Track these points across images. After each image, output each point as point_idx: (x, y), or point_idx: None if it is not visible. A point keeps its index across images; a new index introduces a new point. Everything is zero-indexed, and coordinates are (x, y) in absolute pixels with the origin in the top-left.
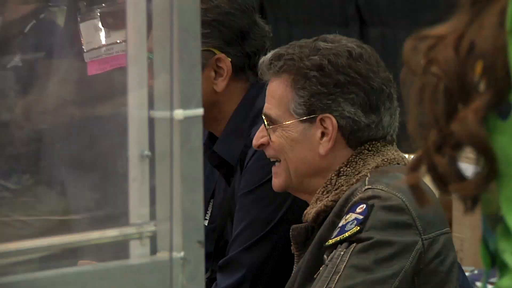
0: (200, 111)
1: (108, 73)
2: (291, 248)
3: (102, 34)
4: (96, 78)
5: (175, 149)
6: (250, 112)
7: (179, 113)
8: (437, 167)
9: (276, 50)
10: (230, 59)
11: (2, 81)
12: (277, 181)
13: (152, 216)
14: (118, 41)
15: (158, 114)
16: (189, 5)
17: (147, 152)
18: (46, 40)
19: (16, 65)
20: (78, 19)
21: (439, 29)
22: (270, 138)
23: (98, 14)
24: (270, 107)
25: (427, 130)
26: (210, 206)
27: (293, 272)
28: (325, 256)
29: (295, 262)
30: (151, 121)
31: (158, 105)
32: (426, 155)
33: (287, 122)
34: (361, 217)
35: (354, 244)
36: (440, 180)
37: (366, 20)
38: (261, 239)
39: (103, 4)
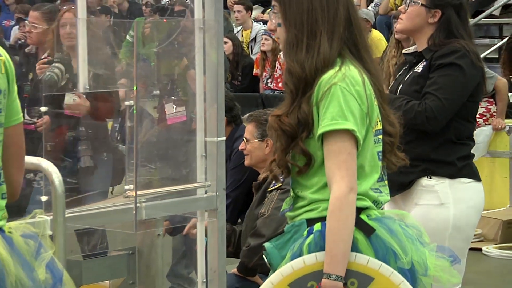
0: (224, 138)
1: (179, 122)
2: (252, 190)
3: (173, 108)
4: (175, 125)
5: (215, 153)
6: (232, 139)
7: (217, 138)
8: (284, 163)
9: (249, 113)
10: (226, 118)
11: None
12: (247, 162)
13: (206, 179)
14: (180, 112)
15: (209, 139)
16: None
17: (203, 153)
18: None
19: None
20: (163, 102)
21: (279, 111)
22: (246, 147)
23: (172, 101)
24: (246, 134)
25: (277, 154)
26: None
27: (253, 201)
28: (267, 195)
29: (254, 197)
30: (205, 142)
31: (209, 135)
32: (278, 160)
33: (253, 141)
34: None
35: (279, 190)
36: (285, 167)
37: None
38: (237, 187)
39: (173, 97)
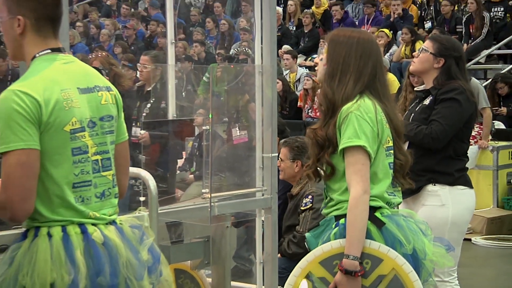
0: (276, 154)
1: (242, 142)
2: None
3: (238, 131)
4: (239, 144)
5: (270, 165)
6: None
7: (271, 154)
8: (315, 167)
9: (284, 139)
10: (279, 139)
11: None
12: (280, 177)
13: (263, 184)
14: (243, 134)
15: (265, 154)
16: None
17: (261, 165)
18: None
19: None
20: (231, 127)
21: (315, 125)
22: (280, 164)
23: (237, 126)
24: (281, 155)
25: (311, 159)
26: None
27: (288, 207)
28: (300, 209)
29: (289, 204)
30: (262, 157)
31: (265, 151)
32: (311, 164)
33: (286, 161)
34: (311, 199)
35: (312, 210)
36: (317, 173)
37: None
38: (287, 191)
39: (238, 123)
